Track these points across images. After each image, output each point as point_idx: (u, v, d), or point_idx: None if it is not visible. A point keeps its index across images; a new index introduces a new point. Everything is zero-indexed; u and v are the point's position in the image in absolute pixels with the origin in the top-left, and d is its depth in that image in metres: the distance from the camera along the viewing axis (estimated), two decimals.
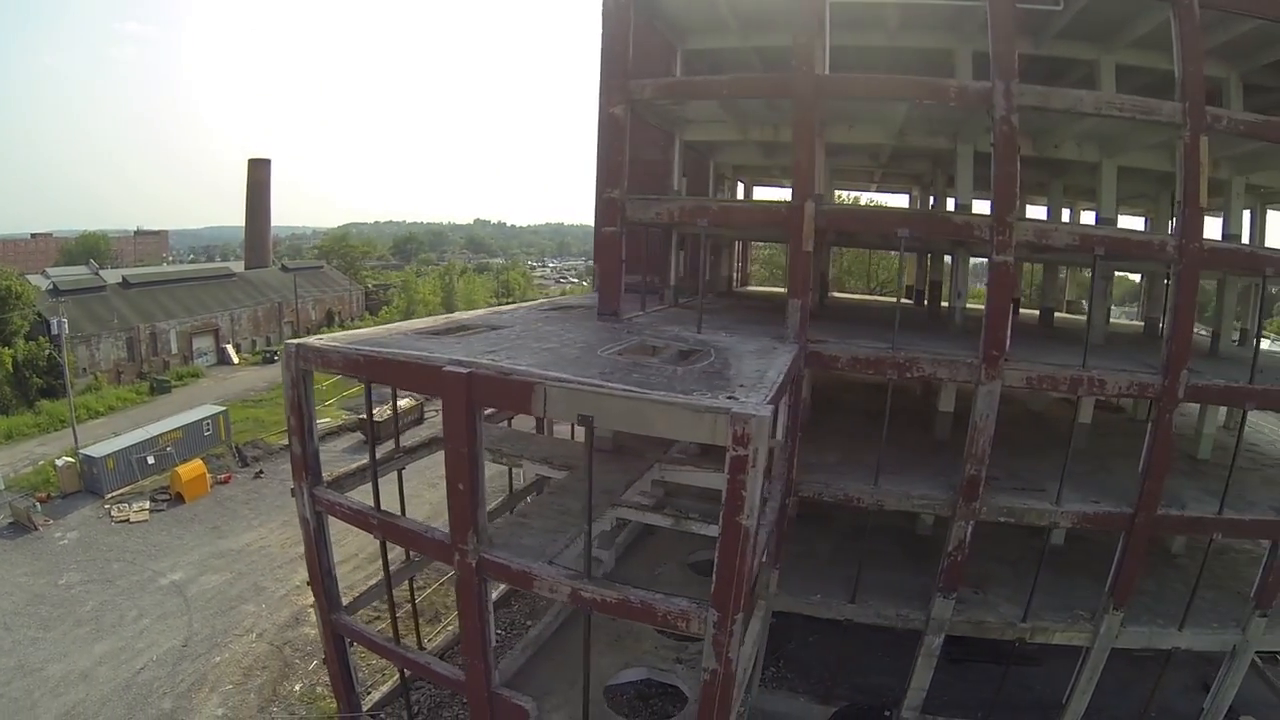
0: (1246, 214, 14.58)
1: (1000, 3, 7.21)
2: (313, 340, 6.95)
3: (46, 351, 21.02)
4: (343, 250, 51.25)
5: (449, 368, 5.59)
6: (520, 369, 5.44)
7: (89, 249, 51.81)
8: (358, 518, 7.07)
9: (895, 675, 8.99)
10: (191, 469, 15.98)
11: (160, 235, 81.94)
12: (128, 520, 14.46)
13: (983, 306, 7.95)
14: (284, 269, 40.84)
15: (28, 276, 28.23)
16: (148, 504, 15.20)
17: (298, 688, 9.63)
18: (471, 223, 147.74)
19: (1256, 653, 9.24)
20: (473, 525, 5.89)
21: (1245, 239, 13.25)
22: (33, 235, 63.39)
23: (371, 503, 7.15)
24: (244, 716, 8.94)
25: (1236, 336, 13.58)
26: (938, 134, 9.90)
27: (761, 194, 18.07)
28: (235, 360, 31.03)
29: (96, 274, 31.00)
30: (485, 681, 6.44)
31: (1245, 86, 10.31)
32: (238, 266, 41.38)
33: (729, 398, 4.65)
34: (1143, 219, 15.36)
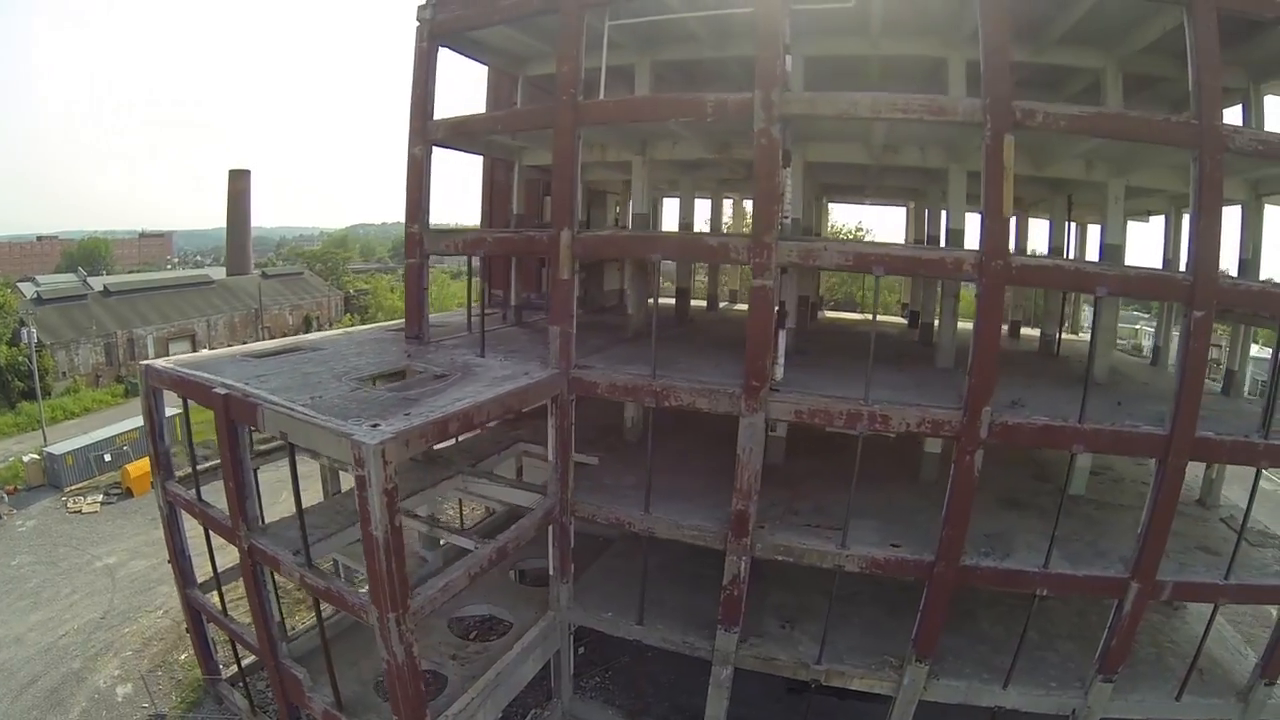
0: (1162, 220, 14.63)
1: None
2: (157, 363, 10.32)
3: (28, 356, 27.90)
4: (325, 255, 59.45)
5: (216, 390, 8.56)
6: (255, 393, 8.24)
7: (89, 254, 64.13)
8: (188, 507, 10.35)
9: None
10: (140, 466, 20.87)
11: (165, 238, 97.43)
12: (80, 511, 19.53)
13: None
14: (264, 275, 48.46)
15: (20, 284, 37.15)
16: (100, 497, 20.29)
17: (183, 656, 13.28)
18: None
19: None
20: (242, 516, 8.84)
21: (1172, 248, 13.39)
22: (39, 238, 78.09)
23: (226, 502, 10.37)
24: (132, 676, 12.71)
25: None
26: (926, 149, 11.13)
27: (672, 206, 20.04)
28: None
29: (84, 281, 39.24)
30: (272, 652, 9.41)
31: (1140, 79, 10.81)
32: (219, 272, 49.55)
33: (373, 425, 7.07)
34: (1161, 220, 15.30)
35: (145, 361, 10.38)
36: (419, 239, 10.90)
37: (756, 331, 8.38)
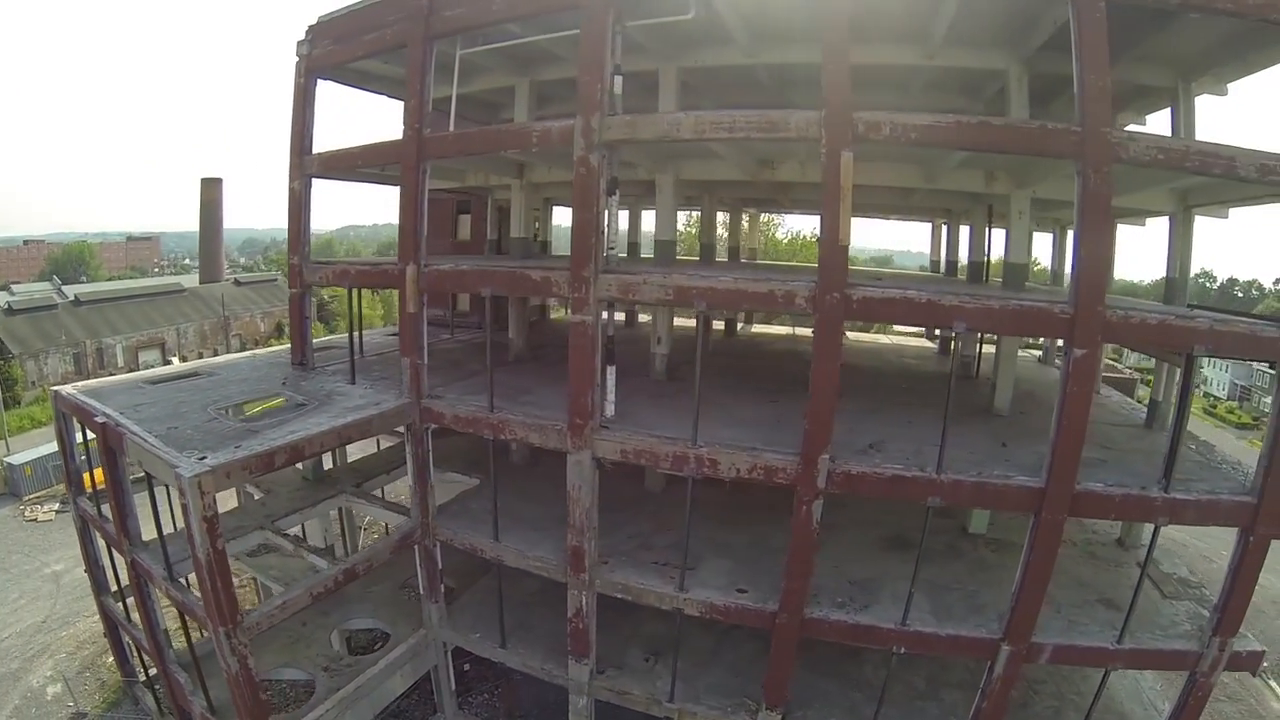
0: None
1: None
2: (63, 389, 12.61)
3: None
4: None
5: (97, 418, 10.61)
6: (123, 423, 10.22)
7: (73, 258, 70.90)
8: (93, 521, 12.60)
9: None
10: (98, 475, 24.13)
11: (153, 240, 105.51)
12: (35, 520, 22.79)
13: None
14: (236, 283, 52.83)
15: None
16: (56, 506, 23.55)
17: (110, 659, 15.79)
18: None
19: None
20: (124, 532, 10.90)
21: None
22: (25, 242, 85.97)
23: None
24: (62, 677, 15.31)
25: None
26: (805, 164, 11.78)
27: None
28: None
29: (59, 290, 44.23)
30: (161, 657, 11.50)
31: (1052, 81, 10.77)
32: (193, 280, 54.30)
33: (200, 458, 8.86)
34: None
35: (55, 387, 12.64)
36: (299, 270, 12.72)
37: (579, 369, 9.11)
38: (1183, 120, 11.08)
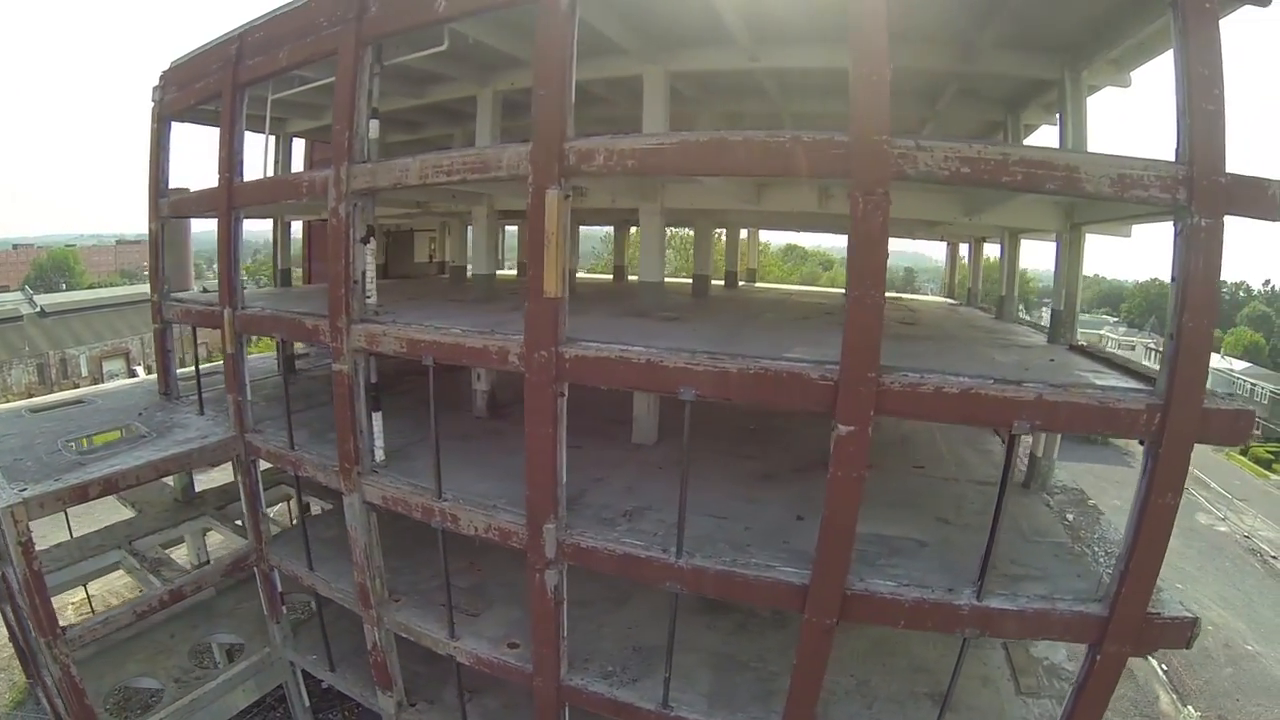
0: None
1: None
2: None
3: None
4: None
5: None
6: None
7: (59, 263, 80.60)
8: None
9: None
10: None
11: (143, 244, 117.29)
12: None
13: None
14: (204, 290, 59.50)
15: None
16: None
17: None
18: None
19: None
20: None
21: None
22: (14, 246, 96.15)
23: None
24: None
25: None
26: (617, 196, 12.84)
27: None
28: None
29: (30, 300, 51.64)
30: (34, 661, 14.88)
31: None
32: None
33: (21, 490, 11.71)
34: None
35: None
36: (159, 307, 15.64)
37: (342, 416, 10.73)
38: (1071, 120, 10.86)
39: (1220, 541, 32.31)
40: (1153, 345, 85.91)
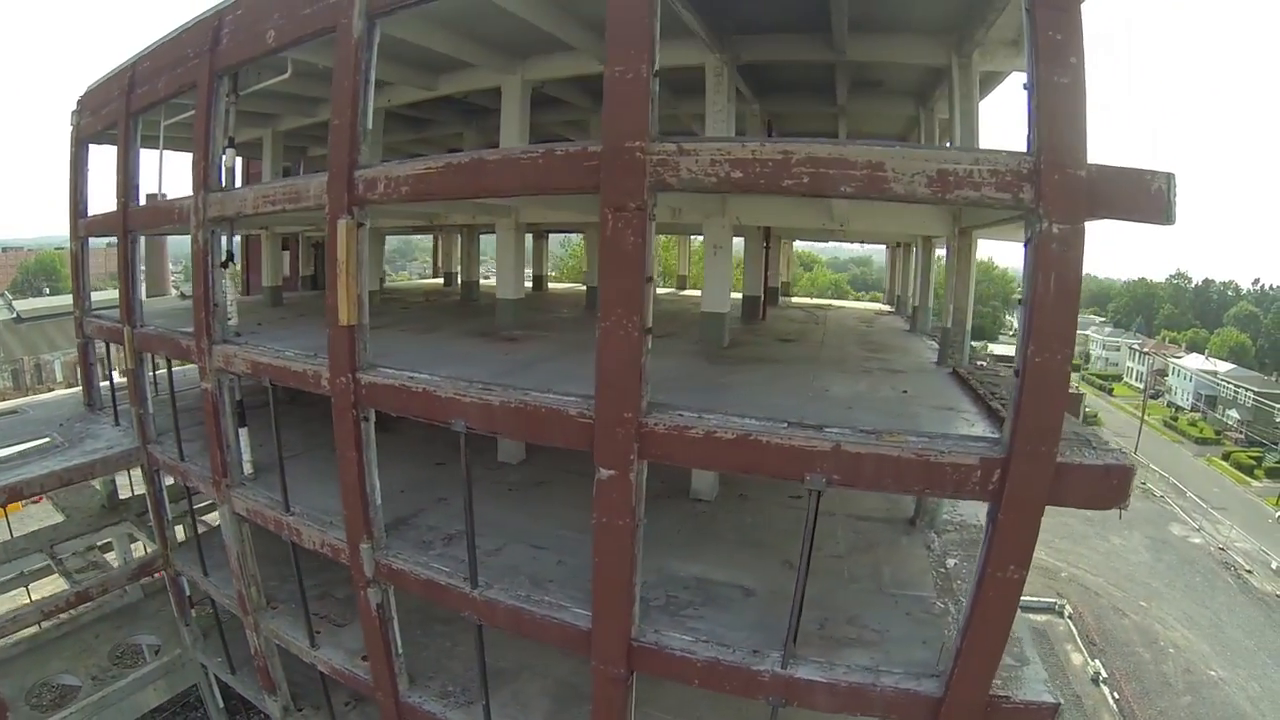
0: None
1: None
2: None
3: None
4: None
5: None
6: None
7: (46, 266, 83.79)
8: None
9: None
10: None
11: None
12: None
13: None
14: (182, 296, 62.30)
15: None
16: None
17: None
18: None
19: None
20: None
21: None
22: (4, 249, 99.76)
23: None
24: None
25: None
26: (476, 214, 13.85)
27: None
28: None
29: (9, 305, 55.26)
30: None
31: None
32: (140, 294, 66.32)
33: None
34: None
35: None
36: (81, 323, 16.77)
37: (211, 431, 11.92)
38: (959, 110, 10.30)
39: (1193, 555, 31.04)
40: (1137, 346, 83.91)
